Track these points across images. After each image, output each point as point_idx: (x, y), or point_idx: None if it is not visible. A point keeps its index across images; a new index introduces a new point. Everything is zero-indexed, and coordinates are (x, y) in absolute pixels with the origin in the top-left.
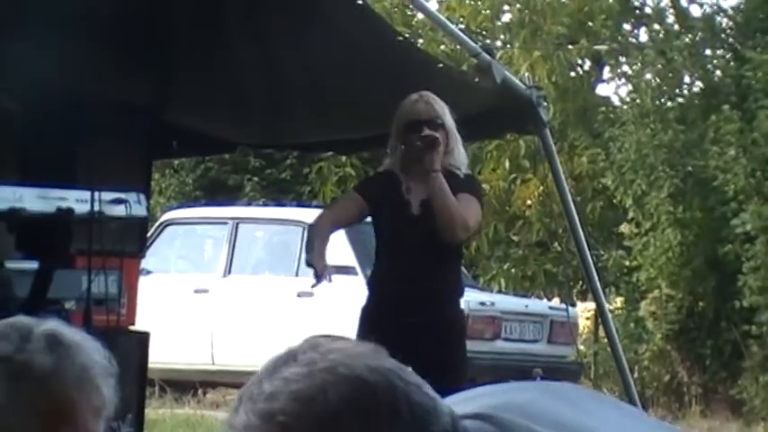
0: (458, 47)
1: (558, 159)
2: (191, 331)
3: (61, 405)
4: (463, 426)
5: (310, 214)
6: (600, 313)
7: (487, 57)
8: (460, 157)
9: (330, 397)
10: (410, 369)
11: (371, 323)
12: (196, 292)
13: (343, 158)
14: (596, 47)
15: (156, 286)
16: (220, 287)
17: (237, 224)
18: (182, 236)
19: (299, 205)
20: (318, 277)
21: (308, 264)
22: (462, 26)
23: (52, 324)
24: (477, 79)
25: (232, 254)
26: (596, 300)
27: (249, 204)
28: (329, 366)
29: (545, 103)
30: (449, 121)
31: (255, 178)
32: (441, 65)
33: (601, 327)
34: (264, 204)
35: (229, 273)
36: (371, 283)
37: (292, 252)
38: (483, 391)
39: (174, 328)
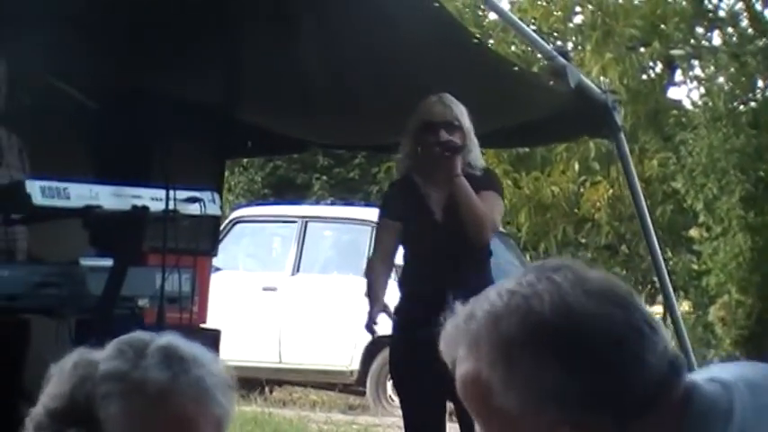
0: (528, 48)
1: (631, 163)
2: (258, 329)
3: (180, 419)
4: (690, 377)
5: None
6: (671, 317)
7: (562, 60)
8: (477, 159)
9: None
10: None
11: (405, 323)
12: (264, 289)
13: None
14: (669, 50)
15: (224, 284)
16: (289, 285)
17: (306, 223)
18: (250, 234)
19: (368, 205)
20: (369, 326)
21: (368, 325)
22: (534, 27)
23: (168, 338)
24: (551, 82)
25: (301, 252)
26: (668, 303)
27: (317, 203)
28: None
29: (620, 108)
30: (466, 122)
31: (324, 177)
32: (516, 67)
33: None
34: (332, 203)
35: (298, 271)
36: (403, 283)
37: (361, 251)
38: (715, 366)
39: (241, 326)
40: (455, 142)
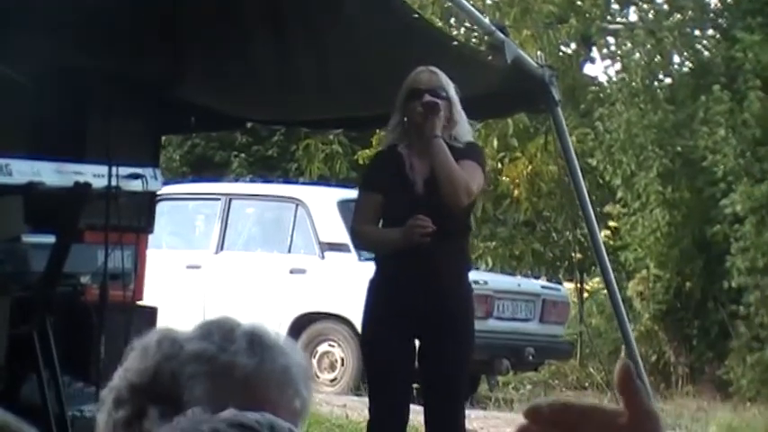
0: (452, 23)
1: (569, 139)
2: (183, 307)
3: (261, 406)
4: None
5: (304, 191)
6: (609, 292)
7: (501, 35)
8: (464, 131)
9: None
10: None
11: (380, 298)
12: (188, 267)
13: (331, 136)
14: (586, 27)
15: (148, 262)
16: (213, 263)
17: (230, 200)
18: (173, 212)
19: (286, 182)
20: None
21: (409, 235)
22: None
23: (254, 324)
24: (490, 57)
25: (224, 230)
26: (605, 278)
27: (236, 180)
28: None
29: (557, 82)
30: (453, 94)
31: (242, 155)
32: (455, 42)
33: (586, 307)
34: (252, 181)
35: (222, 249)
36: (379, 260)
37: (285, 228)
38: None
39: (166, 304)
40: (433, 101)
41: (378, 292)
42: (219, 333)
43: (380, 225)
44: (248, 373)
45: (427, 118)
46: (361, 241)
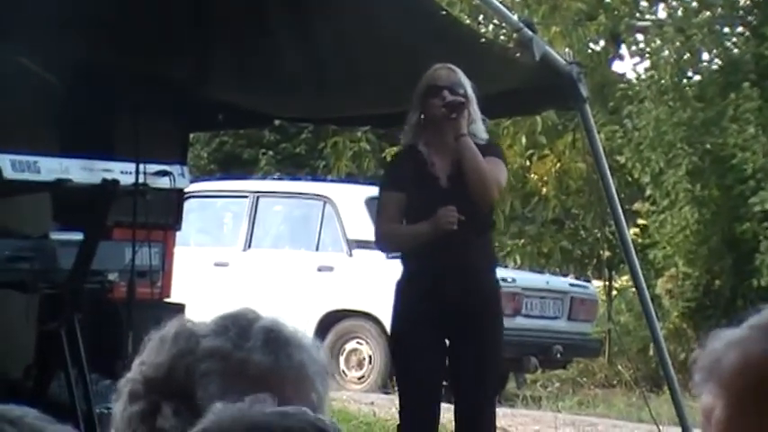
0: (481, 20)
1: (597, 136)
2: (210, 304)
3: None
4: None
5: (332, 188)
6: (638, 290)
7: (529, 32)
8: (481, 129)
9: None
10: None
11: (408, 297)
12: (216, 265)
13: (359, 133)
14: (615, 24)
15: (175, 259)
16: (240, 260)
17: (258, 198)
18: (201, 209)
19: (314, 179)
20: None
21: (441, 224)
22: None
23: (271, 319)
24: (518, 54)
25: (252, 227)
26: (634, 276)
27: (264, 178)
28: None
29: (585, 79)
30: (470, 92)
31: (270, 152)
32: (483, 39)
33: (614, 305)
34: (280, 178)
35: (249, 246)
36: (406, 260)
37: (313, 226)
38: None
39: (194, 302)
40: (459, 100)
41: (406, 292)
42: (236, 329)
43: (407, 219)
44: (263, 370)
45: (453, 117)
46: (389, 241)
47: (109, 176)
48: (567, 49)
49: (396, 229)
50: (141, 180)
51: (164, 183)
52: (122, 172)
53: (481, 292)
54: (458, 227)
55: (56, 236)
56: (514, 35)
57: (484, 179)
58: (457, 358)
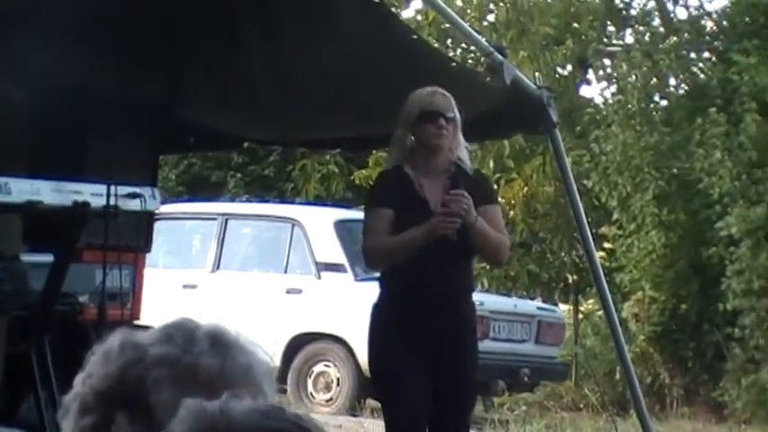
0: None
1: (567, 160)
2: None
3: None
4: None
5: (300, 211)
6: (606, 314)
7: (499, 56)
8: (465, 154)
9: None
10: None
11: (386, 321)
12: (185, 287)
13: (327, 156)
14: (582, 49)
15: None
16: (209, 283)
17: (227, 220)
18: (169, 231)
19: (283, 202)
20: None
21: (441, 227)
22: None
23: (214, 324)
24: (488, 78)
25: (221, 250)
26: (603, 300)
27: (233, 200)
28: None
29: (555, 104)
30: (458, 115)
31: (239, 174)
32: (453, 63)
33: (581, 328)
34: (248, 201)
35: (218, 268)
36: (385, 282)
37: (281, 248)
38: None
39: (162, 323)
40: (459, 197)
41: (385, 313)
42: (181, 335)
43: None
44: (212, 373)
45: (462, 207)
46: (378, 254)
47: (80, 198)
48: (536, 74)
49: (385, 241)
50: (112, 202)
51: (135, 205)
52: (93, 194)
53: (463, 316)
54: (443, 253)
55: (26, 257)
56: (483, 59)
57: (497, 253)
58: (439, 378)
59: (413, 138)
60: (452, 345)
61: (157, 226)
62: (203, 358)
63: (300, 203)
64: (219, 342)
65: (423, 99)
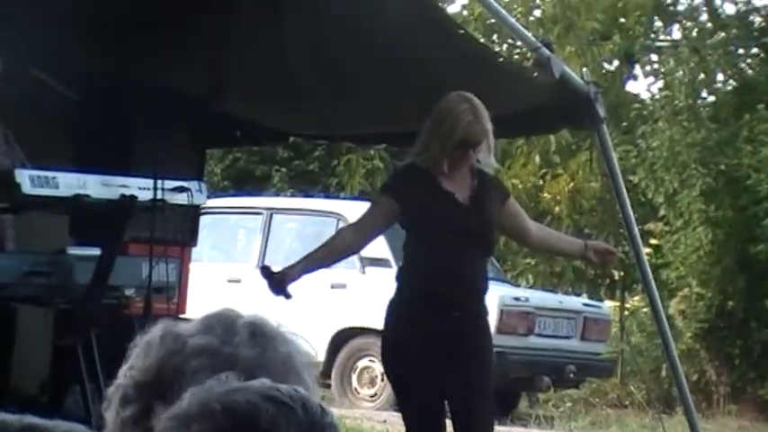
0: (494, 39)
1: (613, 156)
2: None
3: None
4: None
5: (344, 206)
6: (654, 310)
7: (546, 51)
8: (492, 160)
9: None
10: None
11: (403, 317)
12: (229, 281)
13: (372, 151)
14: (629, 44)
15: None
16: (254, 277)
17: (271, 214)
18: (214, 225)
19: (327, 197)
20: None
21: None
22: (494, 20)
23: (254, 315)
24: (535, 74)
25: (266, 244)
26: (650, 296)
27: (277, 195)
28: None
29: (602, 99)
30: (490, 126)
31: (283, 169)
32: (501, 59)
33: (626, 325)
34: (293, 195)
35: (263, 263)
36: (402, 277)
37: None
38: None
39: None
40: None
41: (399, 312)
42: (221, 326)
43: (413, 236)
44: (251, 363)
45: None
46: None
47: (127, 192)
48: (583, 69)
49: (333, 238)
50: (159, 196)
51: (181, 199)
52: (140, 188)
53: (478, 313)
54: (464, 249)
55: (73, 251)
56: (529, 54)
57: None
58: (457, 378)
59: (446, 158)
60: (474, 341)
61: (203, 220)
62: (242, 348)
63: (345, 198)
64: (259, 332)
65: (465, 126)
